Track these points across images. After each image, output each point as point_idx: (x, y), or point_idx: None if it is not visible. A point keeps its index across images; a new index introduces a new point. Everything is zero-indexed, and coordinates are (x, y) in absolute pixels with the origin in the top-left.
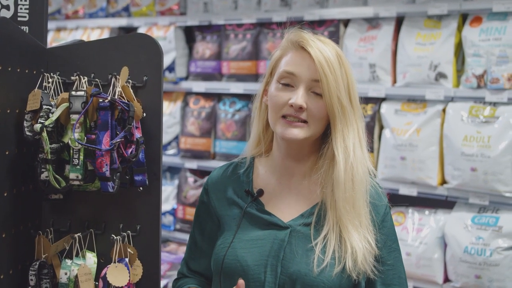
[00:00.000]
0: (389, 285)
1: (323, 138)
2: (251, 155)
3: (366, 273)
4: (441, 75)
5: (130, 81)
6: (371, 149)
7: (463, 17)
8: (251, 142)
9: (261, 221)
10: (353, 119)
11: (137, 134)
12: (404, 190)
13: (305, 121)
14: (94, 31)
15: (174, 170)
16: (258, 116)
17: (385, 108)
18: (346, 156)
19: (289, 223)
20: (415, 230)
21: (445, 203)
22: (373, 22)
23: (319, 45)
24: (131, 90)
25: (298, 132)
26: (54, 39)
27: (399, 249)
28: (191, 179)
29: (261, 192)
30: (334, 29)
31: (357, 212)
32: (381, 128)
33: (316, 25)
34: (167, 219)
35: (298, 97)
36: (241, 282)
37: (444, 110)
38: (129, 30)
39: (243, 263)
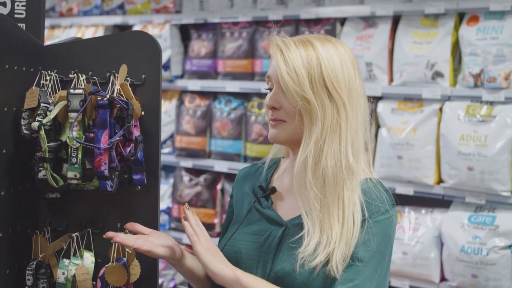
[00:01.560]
0: (351, 280)
1: None
2: (281, 156)
3: (334, 269)
4: (438, 74)
5: (128, 79)
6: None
7: (460, 16)
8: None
9: (264, 217)
10: (329, 113)
11: (136, 132)
12: (400, 189)
13: (284, 120)
14: (89, 29)
15: (169, 169)
16: None
17: (381, 107)
18: (303, 150)
19: (287, 222)
20: (412, 229)
21: (442, 202)
22: (369, 20)
23: (285, 46)
24: (130, 88)
25: (276, 132)
26: (48, 37)
27: (383, 259)
28: (186, 177)
29: (273, 190)
30: (330, 27)
31: (335, 211)
32: (378, 127)
33: (312, 24)
34: (162, 218)
35: (268, 98)
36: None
37: (441, 109)
38: (124, 28)
39: (238, 255)
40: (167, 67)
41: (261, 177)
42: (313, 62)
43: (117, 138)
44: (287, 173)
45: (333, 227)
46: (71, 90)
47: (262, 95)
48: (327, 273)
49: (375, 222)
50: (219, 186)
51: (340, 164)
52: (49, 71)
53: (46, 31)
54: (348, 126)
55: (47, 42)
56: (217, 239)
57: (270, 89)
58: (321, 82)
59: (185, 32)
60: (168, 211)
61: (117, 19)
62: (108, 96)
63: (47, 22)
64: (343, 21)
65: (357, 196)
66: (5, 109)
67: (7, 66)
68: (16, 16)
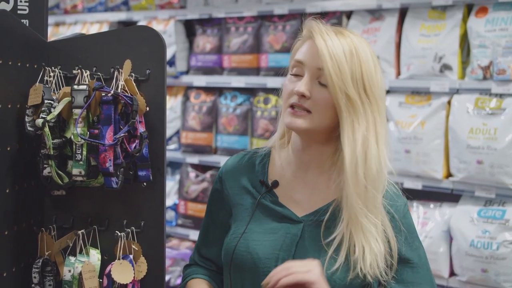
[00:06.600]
0: (412, 284)
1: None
2: (270, 146)
3: (378, 276)
4: (446, 67)
5: (133, 74)
6: None
7: (468, 8)
8: (276, 135)
9: (274, 213)
10: (368, 113)
11: (141, 128)
12: (408, 184)
13: (309, 111)
14: (93, 25)
15: (175, 165)
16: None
17: (389, 100)
18: (352, 150)
19: (303, 218)
20: (420, 224)
21: (451, 197)
22: (376, 13)
23: (328, 35)
24: (134, 84)
25: (301, 122)
26: (52, 34)
27: (422, 247)
28: (192, 174)
29: (276, 184)
30: (336, 21)
31: (371, 212)
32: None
33: (318, 18)
34: (168, 215)
35: (301, 84)
36: None
37: (449, 102)
38: (129, 24)
39: (254, 255)
40: (172, 63)
41: (256, 170)
42: (354, 58)
43: (122, 134)
44: (287, 166)
45: (369, 230)
46: (75, 86)
47: (268, 90)
48: (362, 275)
49: (403, 218)
50: None
51: (382, 167)
52: (52, 67)
53: (50, 28)
54: (382, 129)
55: (52, 39)
56: None
57: (296, 75)
58: (360, 81)
59: (190, 28)
60: (174, 207)
61: (121, 15)
62: (112, 92)
63: (52, 19)
64: (349, 14)
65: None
66: (9, 106)
67: (10, 63)
68: (19, 12)
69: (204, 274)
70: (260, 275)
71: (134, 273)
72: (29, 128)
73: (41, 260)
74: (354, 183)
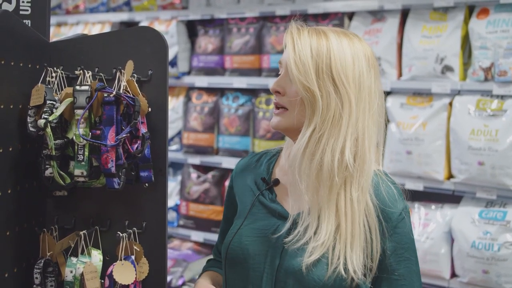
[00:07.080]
0: None
1: None
2: (281, 147)
3: (361, 277)
4: (447, 68)
5: (135, 75)
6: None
7: (470, 9)
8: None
9: (269, 211)
10: (331, 106)
11: (143, 129)
12: (410, 185)
13: (286, 108)
14: (95, 26)
15: (176, 166)
16: None
17: (390, 102)
18: (301, 136)
19: (294, 216)
20: (422, 225)
21: (452, 198)
22: (378, 14)
23: (298, 32)
24: (136, 85)
25: (278, 121)
26: (54, 34)
27: (415, 260)
28: (194, 174)
29: (276, 182)
30: (338, 22)
31: (332, 210)
32: (387, 122)
33: (320, 18)
34: (170, 215)
35: (274, 82)
36: None
37: (450, 104)
38: (131, 25)
39: (245, 251)
40: (174, 63)
41: (262, 168)
42: (322, 52)
43: (124, 135)
44: None
45: (328, 227)
46: (77, 87)
47: (269, 91)
48: (340, 275)
49: (396, 228)
50: (227, 183)
51: (336, 160)
52: (54, 68)
53: (52, 29)
54: (350, 123)
55: (53, 40)
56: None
57: (279, 75)
58: (328, 74)
59: (191, 28)
60: (176, 208)
61: (123, 16)
62: (114, 93)
63: (54, 19)
64: (351, 15)
65: (369, 198)
66: (11, 106)
67: (12, 63)
68: (21, 13)
69: (219, 267)
70: (250, 271)
71: (135, 274)
72: (31, 129)
73: (42, 261)
74: (294, 173)
